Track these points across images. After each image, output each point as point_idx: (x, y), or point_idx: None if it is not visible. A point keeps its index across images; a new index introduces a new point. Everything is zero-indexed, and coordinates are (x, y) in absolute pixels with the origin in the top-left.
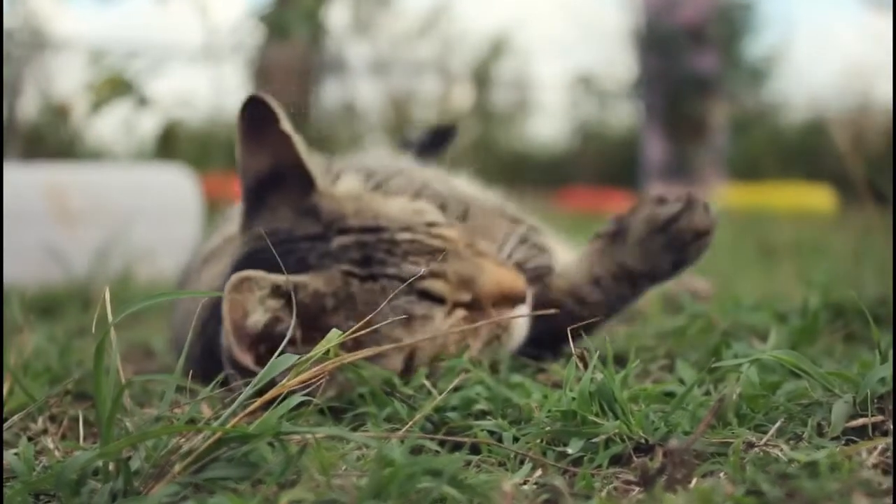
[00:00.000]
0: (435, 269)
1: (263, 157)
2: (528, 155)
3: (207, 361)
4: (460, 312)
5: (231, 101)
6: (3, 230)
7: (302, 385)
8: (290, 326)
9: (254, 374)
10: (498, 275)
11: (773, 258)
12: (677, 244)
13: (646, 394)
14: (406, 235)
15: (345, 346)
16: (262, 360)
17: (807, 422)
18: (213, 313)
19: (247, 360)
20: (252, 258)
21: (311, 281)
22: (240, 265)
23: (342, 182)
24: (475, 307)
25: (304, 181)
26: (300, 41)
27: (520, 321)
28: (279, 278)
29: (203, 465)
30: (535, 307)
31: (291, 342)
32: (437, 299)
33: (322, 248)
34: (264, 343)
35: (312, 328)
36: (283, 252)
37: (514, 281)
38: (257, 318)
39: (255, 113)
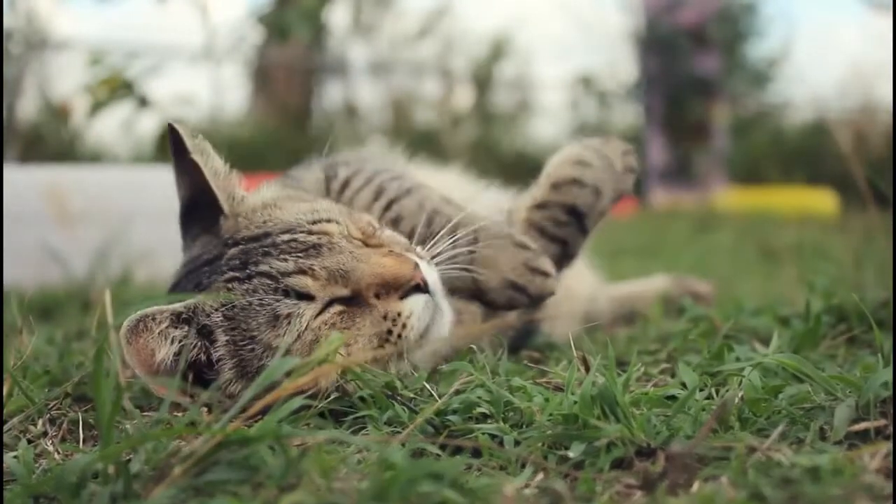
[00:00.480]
0: (302, 264)
1: (184, 187)
2: (529, 156)
3: None
4: (336, 308)
5: (231, 101)
6: (3, 231)
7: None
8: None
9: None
10: (378, 264)
11: (775, 261)
12: (620, 152)
13: (647, 397)
14: (286, 236)
15: None
16: (186, 390)
17: (809, 426)
18: None
19: (173, 396)
20: (172, 291)
21: (203, 299)
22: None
23: (269, 191)
24: (356, 301)
25: (215, 206)
26: (300, 42)
27: (416, 311)
28: (175, 307)
29: (203, 468)
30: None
31: (208, 365)
32: (305, 296)
33: (215, 266)
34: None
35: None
36: (189, 280)
37: (397, 268)
38: (164, 352)
39: (173, 142)
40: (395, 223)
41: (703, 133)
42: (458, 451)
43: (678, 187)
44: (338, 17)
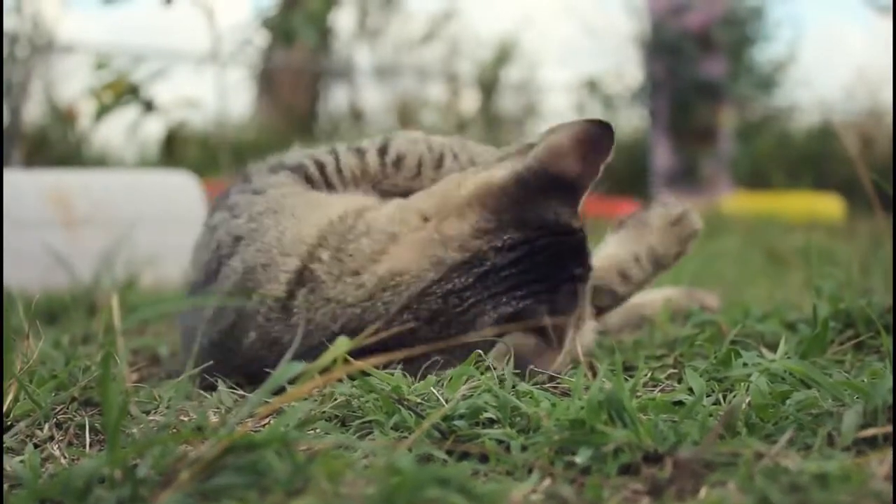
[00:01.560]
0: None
1: (573, 164)
2: None
3: (218, 352)
4: None
5: (236, 104)
6: (8, 236)
7: (310, 391)
8: None
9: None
10: None
11: (782, 265)
12: (683, 237)
13: (655, 403)
14: None
15: None
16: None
17: (817, 432)
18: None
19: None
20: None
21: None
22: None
23: None
24: None
25: (573, 200)
26: (306, 46)
27: None
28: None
29: (210, 473)
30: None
31: None
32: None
33: None
34: None
35: None
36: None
37: None
38: None
39: (598, 133)
40: (398, 162)
41: (709, 137)
42: (464, 456)
43: (684, 191)
44: (343, 21)
